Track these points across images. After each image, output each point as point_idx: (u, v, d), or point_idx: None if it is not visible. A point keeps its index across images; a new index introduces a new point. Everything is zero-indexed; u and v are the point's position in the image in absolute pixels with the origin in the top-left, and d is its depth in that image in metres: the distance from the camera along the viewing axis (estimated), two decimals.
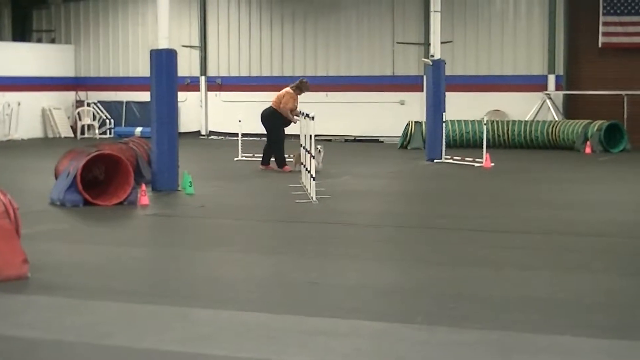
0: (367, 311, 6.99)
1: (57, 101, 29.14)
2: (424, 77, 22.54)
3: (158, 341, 6.14)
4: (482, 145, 19.38)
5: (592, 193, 14.79)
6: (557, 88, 25.25)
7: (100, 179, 13.64)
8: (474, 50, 26.04)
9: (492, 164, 18.68)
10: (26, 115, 27.91)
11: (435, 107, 20.25)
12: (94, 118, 29.21)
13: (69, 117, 29.36)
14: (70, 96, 29.67)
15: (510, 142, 23.58)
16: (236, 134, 21.38)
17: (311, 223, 11.66)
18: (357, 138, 26.71)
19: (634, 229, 11.07)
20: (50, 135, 28.61)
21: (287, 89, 18.19)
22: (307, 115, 14.46)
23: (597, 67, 24.82)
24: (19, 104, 27.65)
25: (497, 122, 23.89)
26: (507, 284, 8.02)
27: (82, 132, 28.89)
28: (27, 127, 27.91)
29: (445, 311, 6.95)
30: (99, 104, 29.35)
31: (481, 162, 18.78)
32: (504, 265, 8.81)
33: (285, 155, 17.87)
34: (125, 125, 28.87)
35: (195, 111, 28.80)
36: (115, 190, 13.10)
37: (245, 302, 7.32)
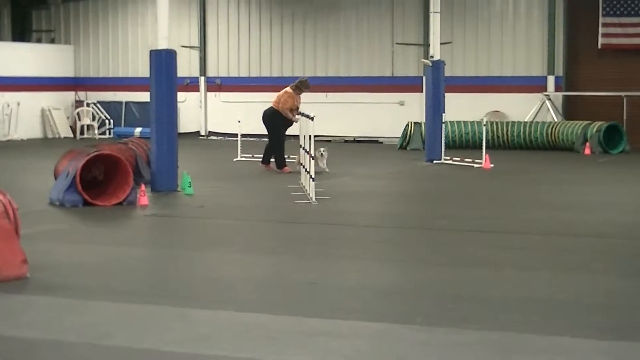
0: (367, 312, 6.99)
1: (57, 101, 29.14)
2: (424, 77, 22.55)
3: (157, 341, 6.14)
4: (482, 146, 19.38)
5: (591, 194, 14.80)
6: (557, 89, 25.26)
7: (100, 179, 13.64)
8: (474, 51, 26.05)
9: (492, 165, 18.69)
10: (26, 116, 27.91)
11: (435, 107, 20.26)
12: (94, 118, 29.21)
13: (68, 118, 29.36)
14: (69, 96, 29.67)
15: (510, 143, 23.59)
16: (235, 135, 21.38)
17: (310, 224, 11.66)
18: (357, 139, 26.72)
19: (633, 230, 11.07)
20: (50, 135, 28.61)
21: (287, 88, 18.20)
22: (307, 116, 14.46)
23: (597, 68, 24.83)
24: (18, 104, 27.65)
25: (497, 123, 23.90)
26: (506, 284, 8.02)
27: (82, 133, 28.89)
28: (26, 127, 27.91)
29: (444, 312, 6.95)
30: (98, 104, 29.35)
31: (480, 163, 18.78)
32: (504, 266, 8.81)
33: (286, 156, 17.86)
34: (124, 126, 28.87)
35: (195, 112, 28.80)
36: (114, 190, 13.10)
37: (244, 302, 7.32)
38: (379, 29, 26.96)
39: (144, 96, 24.70)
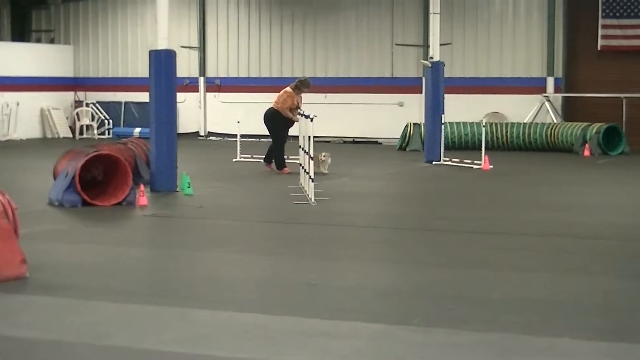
0: (366, 312, 6.99)
1: (56, 101, 29.13)
2: (423, 78, 22.54)
3: (157, 341, 6.14)
4: (481, 147, 19.38)
5: (590, 195, 14.81)
6: (556, 90, 25.26)
7: (99, 179, 13.64)
8: (473, 52, 26.05)
9: (491, 166, 18.69)
10: (25, 116, 27.90)
11: (434, 108, 20.26)
12: (93, 118, 29.20)
13: (67, 118, 29.35)
14: (69, 96, 29.67)
15: (509, 144, 23.60)
16: (235, 135, 21.38)
17: (310, 224, 11.66)
18: (356, 139, 26.72)
19: (633, 231, 11.08)
20: (49, 135, 28.60)
21: (287, 88, 18.19)
22: (307, 116, 14.45)
23: (596, 69, 24.84)
24: (17, 104, 27.65)
25: (496, 124, 23.91)
26: (505, 285, 8.02)
27: (81, 133, 28.89)
28: (25, 127, 27.90)
29: (444, 313, 6.95)
30: (97, 105, 29.34)
31: (480, 164, 18.78)
32: (503, 267, 8.82)
33: (285, 157, 17.85)
34: (124, 126, 28.86)
35: (194, 112, 28.79)
36: (113, 190, 13.10)
37: (244, 302, 7.32)
38: (378, 29, 26.97)
39: (143, 96, 24.74)
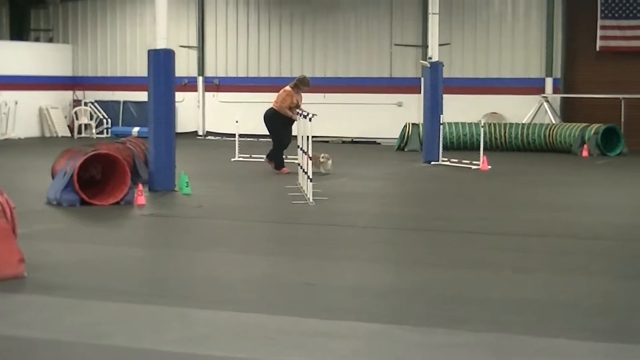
0: (365, 312, 6.99)
1: (55, 100, 29.12)
2: (422, 79, 22.54)
3: (156, 341, 6.14)
4: (480, 147, 19.39)
5: (589, 196, 14.81)
6: (555, 91, 25.27)
7: (97, 178, 13.64)
8: (472, 52, 26.05)
9: (489, 167, 18.69)
10: (23, 114, 27.88)
11: (433, 109, 20.26)
12: (91, 117, 29.20)
13: (66, 117, 29.34)
14: (67, 95, 29.66)
15: (508, 144, 23.60)
16: (233, 135, 21.37)
17: (308, 224, 11.67)
18: (355, 139, 26.71)
19: (631, 231, 11.09)
20: (48, 134, 28.59)
21: (286, 87, 18.18)
22: (305, 116, 14.45)
23: (595, 70, 24.85)
24: (16, 102, 27.64)
25: (495, 124, 23.92)
26: (504, 286, 8.02)
27: (79, 132, 28.88)
28: (24, 126, 27.89)
29: (442, 313, 6.95)
30: (96, 104, 29.34)
31: (478, 165, 18.79)
32: (501, 267, 8.82)
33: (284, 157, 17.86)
34: (122, 125, 28.84)
35: (193, 111, 28.78)
36: (112, 190, 13.10)
37: (242, 302, 7.32)
38: (377, 30, 26.96)
39: (141, 96, 24.64)
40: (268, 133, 18.30)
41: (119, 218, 12.16)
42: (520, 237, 10.61)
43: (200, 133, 28.77)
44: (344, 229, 11.35)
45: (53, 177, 13.72)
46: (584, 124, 22.76)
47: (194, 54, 28.61)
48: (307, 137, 13.84)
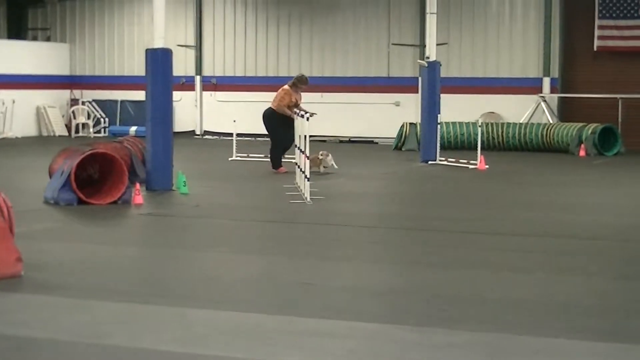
0: (362, 312, 6.99)
1: (52, 99, 29.11)
2: (419, 78, 22.56)
3: (154, 341, 6.13)
4: (477, 147, 19.39)
5: (586, 196, 14.82)
6: (552, 91, 25.29)
7: (95, 177, 13.63)
8: (470, 52, 26.07)
9: (487, 166, 18.70)
10: (21, 113, 27.88)
11: (430, 108, 20.27)
12: (89, 117, 29.19)
13: (63, 116, 29.33)
14: (65, 94, 29.65)
15: (505, 144, 23.61)
16: (231, 134, 21.37)
17: (305, 224, 11.67)
18: (352, 139, 26.72)
19: (628, 232, 11.09)
20: (45, 133, 28.58)
21: (284, 86, 18.17)
22: (302, 116, 14.45)
23: (592, 70, 24.87)
24: (13, 101, 27.62)
25: (492, 124, 23.93)
26: (501, 286, 8.03)
27: (77, 131, 28.87)
28: (21, 125, 27.88)
29: (439, 313, 6.95)
30: (93, 103, 29.33)
31: (476, 164, 18.79)
32: (499, 267, 8.82)
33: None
34: (120, 124, 28.85)
35: (190, 111, 28.79)
36: (109, 189, 13.09)
37: (240, 302, 7.32)
38: (375, 29, 26.97)
39: (139, 95, 24.70)
40: (267, 132, 18.29)
41: (117, 217, 12.16)
42: (518, 237, 10.62)
43: (198, 132, 28.77)
44: (341, 228, 11.35)
45: (50, 176, 13.71)
46: (581, 124, 22.78)
47: (191, 53, 28.61)
48: (305, 136, 13.84)
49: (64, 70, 29.89)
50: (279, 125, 17.74)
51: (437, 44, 20.75)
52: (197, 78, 28.78)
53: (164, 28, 14.81)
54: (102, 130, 29.14)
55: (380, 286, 8.05)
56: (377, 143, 26.33)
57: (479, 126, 20.31)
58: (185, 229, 11.34)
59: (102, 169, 13.55)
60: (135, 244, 10.46)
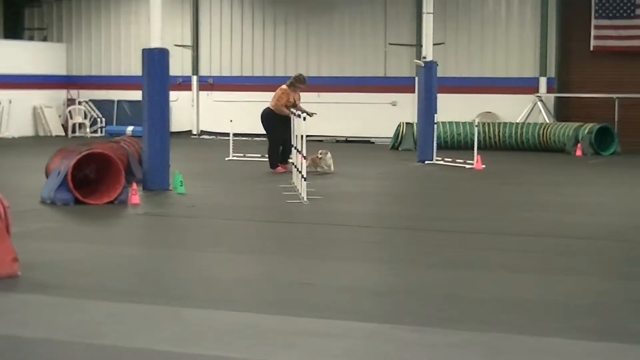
0: (359, 312, 6.99)
1: (49, 99, 29.09)
2: (416, 78, 22.56)
3: (150, 340, 6.13)
4: (474, 146, 19.41)
5: (582, 196, 14.83)
6: (549, 90, 25.31)
7: (91, 177, 13.62)
8: (466, 52, 26.08)
9: (483, 166, 18.71)
10: (17, 113, 27.85)
11: (427, 108, 20.27)
12: (85, 116, 29.17)
13: (60, 116, 29.31)
14: (61, 94, 29.63)
15: (502, 144, 23.63)
16: (228, 134, 21.36)
17: (302, 223, 11.67)
18: (349, 139, 26.73)
19: (626, 232, 11.10)
20: (42, 133, 28.56)
21: (282, 86, 18.18)
22: (298, 115, 14.46)
23: (589, 70, 24.90)
24: (10, 101, 27.60)
25: (489, 124, 23.94)
26: (497, 285, 8.03)
27: (74, 131, 28.86)
28: (18, 125, 27.86)
29: (436, 313, 6.95)
30: (90, 103, 29.31)
31: (472, 164, 18.80)
32: (495, 267, 8.82)
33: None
34: (116, 124, 28.83)
35: (187, 111, 28.78)
36: (106, 189, 13.08)
37: (236, 302, 7.32)
38: (371, 29, 26.98)
39: (136, 95, 24.61)
40: (264, 132, 18.29)
41: (113, 217, 12.15)
42: (516, 237, 10.62)
43: (195, 132, 28.77)
44: (338, 228, 11.35)
45: (47, 176, 13.70)
46: (577, 124, 22.81)
47: (188, 53, 28.61)
48: (302, 136, 13.84)
49: (61, 70, 29.87)
50: (277, 125, 17.73)
51: (434, 44, 20.76)
52: (194, 78, 28.77)
53: (160, 28, 14.81)
54: (99, 130, 29.12)
55: (378, 286, 8.05)
56: (373, 143, 26.34)
57: (476, 126, 20.32)
58: (182, 229, 11.34)
59: (98, 169, 13.54)
60: (132, 243, 10.46)
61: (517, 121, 24.44)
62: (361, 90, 26.86)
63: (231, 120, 21.16)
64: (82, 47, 30.05)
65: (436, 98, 20.42)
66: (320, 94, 26.26)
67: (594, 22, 24.50)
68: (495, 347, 6.05)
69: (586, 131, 22.34)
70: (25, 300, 7.32)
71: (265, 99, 18.46)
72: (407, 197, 15.13)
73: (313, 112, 17.59)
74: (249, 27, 28.30)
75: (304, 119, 13.96)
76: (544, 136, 23.15)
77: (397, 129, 24.20)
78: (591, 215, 12.46)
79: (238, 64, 28.44)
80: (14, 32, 30.11)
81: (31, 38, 30.45)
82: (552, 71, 25.29)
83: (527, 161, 20.82)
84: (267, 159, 18.08)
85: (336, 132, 26.68)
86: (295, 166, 14.98)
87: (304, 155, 13.68)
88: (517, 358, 5.87)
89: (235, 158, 20.19)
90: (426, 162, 19.91)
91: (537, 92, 25.24)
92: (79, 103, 29.29)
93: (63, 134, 28.72)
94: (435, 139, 20.24)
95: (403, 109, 26.17)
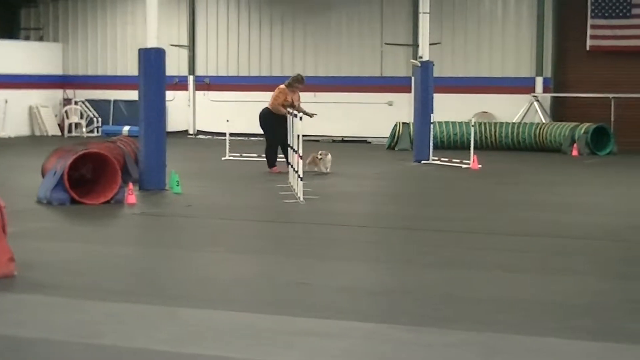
0: (356, 312, 7.00)
1: (45, 99, 29.06)
2: (412, 78, 22.56)
3: (148, 340, 6.13)
4: (470, 146, 19.41)
5: (578, 195, 14.84)
6: (545, 90, 25.32)
7: (88, 177, 13.61)
8: (463, 52, 26.08)
9: (480, 166, 18.71)
10: (13, 113, 27.82)
11: (423, 108, 20.28)
12: (82, 116, 29.15)
13: (56, 115, 29.28)
14: (58, 94, 29.60)
15: (498, 144, 23.64)
16: (224, 134, 21.36)
17: (299, 223, 11.67)
18: (345, 139, 26.72)
19: (622, 231, 11.11)
20: (38, 133, 28.54)
21: (280, 85, 18.17)
22: (295, 115, 14.46)
23: (585, 70, 24.91)
24: (6, 101, 27.57)
25: (485, 123, 23.95)
26: (493, 285, 8.04)
27: (70, 131, 28.82)
28: (14, 125, 27.83)
29: (433, 313, 6.96)
30: (86, 102, 29.29)
31: (469, 164, 18.81)
32: (492, 267, 8.83)
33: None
34: (113, 124, 28.81)
35: (183, 110, 28.75)
36: (102, 189, 13.08)
37: (233, 302, 7.32)
38: (368, 29, 26.97)
39: (132, 94, 24.57)
40: (261, 132, 18.27)
41: (110, 217, 12.15)
42: (510, 237, 10.63)
43: (191, 132, 28.75)
44: (335, 228, 11.35)
45: (43, 176, 13.69)
46: (574, 123, 22.82)
47: (184, 52, 28.58)
48: (298, 136, 13.83)
49: (57, 70, 29.85)
50: (275, 125, 17.71)
51: (430, 44, 20.77)
52: (190, 78, 28.75)
53: (156, 27, 14.80)
54: (95, 130, 29.09)
55: (375, 286, 8.06)
56: (370, 143, 26.34)
57: (472, 126, 20.33)
58: (179, 229, 11.34)
59: (95, 169, 13.53)
60: (128, 243, 10.45)
61: (514, 121, 24.45)
62: (358, 90, 26.85)
63: (227, 120, 21.15)
64: (78, 47, 30.02)
65: (432, 98, 20.42)
66: (317, 93, 26.22)
67: (590, 21, 24.52)
68: (491, 347, 6.06)
69: (582, 131, 22.35)
70: (22, 300, 7.32)
71: (261, 99, 18.47)
72: (403, 197, 15.13)
73: (314, 112, 17.59)
74: (245, 26, 28.30)
75: (301, 118, 13.95)
76: (540, 136, 23.16)
77: (393, 129, 24.20)
78: (587, 215, 12.48)
79: (234, 64, 28.43)
80: (10, 32, 30.07)
81: (27, 38, 30.42)
82: (548, 71, 25.30)
83: (523, 161, 20.83)
84: (264, 159, 18.07)
85: (333, 132, 26.67)
86: (292, 166, 14.97)
87: (300, 155, 13.67)
88: (513, 358, 5.88)
89: (231, 158, 20.18)
90: (422, 162, 19.91)
91: (534, 91, 25.25)
92: (75, 103, 29.27)
93: (59, 133, 28.69)
94: (431, 138, 20.26)
95: (399, 108, 26.17)
